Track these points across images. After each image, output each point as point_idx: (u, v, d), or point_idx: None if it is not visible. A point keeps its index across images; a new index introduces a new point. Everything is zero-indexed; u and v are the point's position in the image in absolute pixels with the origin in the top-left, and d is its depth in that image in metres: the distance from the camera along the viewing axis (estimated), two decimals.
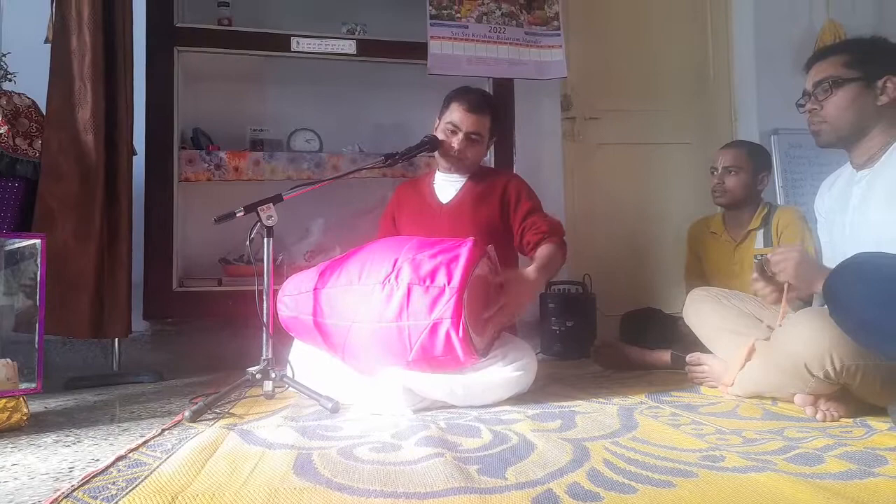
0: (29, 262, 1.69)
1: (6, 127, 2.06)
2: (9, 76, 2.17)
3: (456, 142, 2.07)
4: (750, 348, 1.79)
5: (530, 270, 1.89)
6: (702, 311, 2.03)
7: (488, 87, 2.88)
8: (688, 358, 2.07)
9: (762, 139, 3.27)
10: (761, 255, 1.66)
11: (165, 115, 2.53)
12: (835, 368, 1.45)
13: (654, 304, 2.78)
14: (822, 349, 1.46)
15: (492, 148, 2.78)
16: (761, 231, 2.43)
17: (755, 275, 1.62)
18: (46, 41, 2.30)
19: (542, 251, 1.98)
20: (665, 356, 2.30)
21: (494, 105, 2.18)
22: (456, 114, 2.08)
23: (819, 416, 1.53)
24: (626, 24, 3.49)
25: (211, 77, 2.87)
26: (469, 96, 2.10)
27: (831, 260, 1.61)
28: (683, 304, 2.14)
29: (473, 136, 2.08)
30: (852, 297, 1.35)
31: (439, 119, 2.16)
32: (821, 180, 1.84)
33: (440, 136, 2.11)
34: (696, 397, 1.85)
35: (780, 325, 1.64)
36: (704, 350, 2.03)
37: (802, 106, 1.68)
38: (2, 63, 2.16)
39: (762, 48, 3.42)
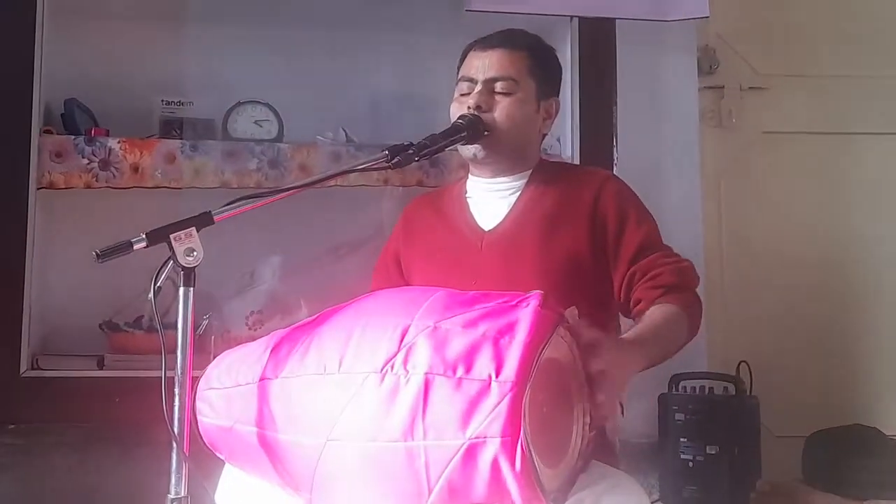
0: None
1: None
2: None
3: (472, 99, 1.61)
4: None
5: (621, 340, 1.50)
6: None
7: (570, 34, 2.24)
8: None
9: None
10: None
11: (17, 74, 1.99)
12: None
13: (865, 419, 2.29)
14: None
15: (577, 137, 2.29)
16: None
17: None
18: None
19: (654, 314, 1.54)
20: None
21: (534, 41, 1.73)
22: (469, 62, 1.68)
23: None
24: None
25: (97, 15, 2.30)
26: (489, 35, 1.74)
27: None
28: None
29: (499, 83, 1.63)
30: None
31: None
32: None
33: (453, 110, 1.66)
34: None
35: None
36: None
37: None
38: None
39: None
